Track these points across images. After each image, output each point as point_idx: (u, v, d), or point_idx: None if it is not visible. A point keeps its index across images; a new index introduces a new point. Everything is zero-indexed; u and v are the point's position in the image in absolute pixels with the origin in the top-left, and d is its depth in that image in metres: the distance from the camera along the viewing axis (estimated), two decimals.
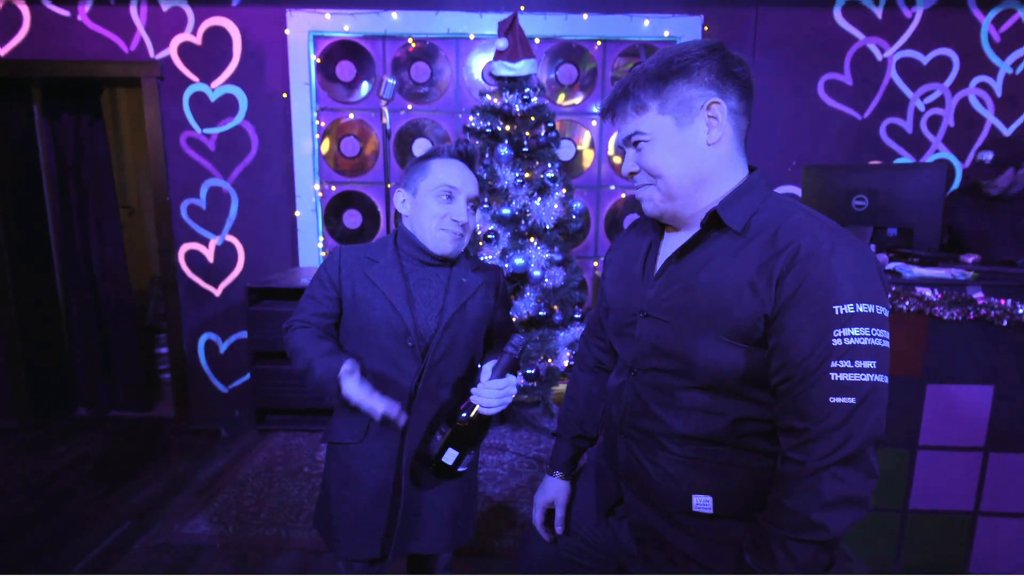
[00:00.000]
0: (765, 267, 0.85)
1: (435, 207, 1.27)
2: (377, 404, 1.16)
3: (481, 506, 2.43)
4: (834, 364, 0.79)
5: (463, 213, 1.28)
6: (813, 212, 0.90)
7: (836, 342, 0.79)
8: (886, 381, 0.81)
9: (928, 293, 1.84)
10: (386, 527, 1.31)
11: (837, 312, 0.79)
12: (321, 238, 3.41)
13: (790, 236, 0.85)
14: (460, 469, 1.24)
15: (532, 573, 1.28)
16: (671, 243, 1.02)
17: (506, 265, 2.89)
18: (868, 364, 0.79)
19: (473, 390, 1.20)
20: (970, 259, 2.07)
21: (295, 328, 1.31)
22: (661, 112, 0.92)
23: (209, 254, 3.39)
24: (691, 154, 0.92)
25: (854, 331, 0.79)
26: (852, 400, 0.79)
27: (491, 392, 1.18)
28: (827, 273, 0.80)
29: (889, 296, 1.82)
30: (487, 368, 1.22)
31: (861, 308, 0.79)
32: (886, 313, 0.82)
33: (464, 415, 1.21)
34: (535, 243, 2.94)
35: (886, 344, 0.81)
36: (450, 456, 1.21)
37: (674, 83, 0.91)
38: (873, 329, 0.79)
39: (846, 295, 0.79)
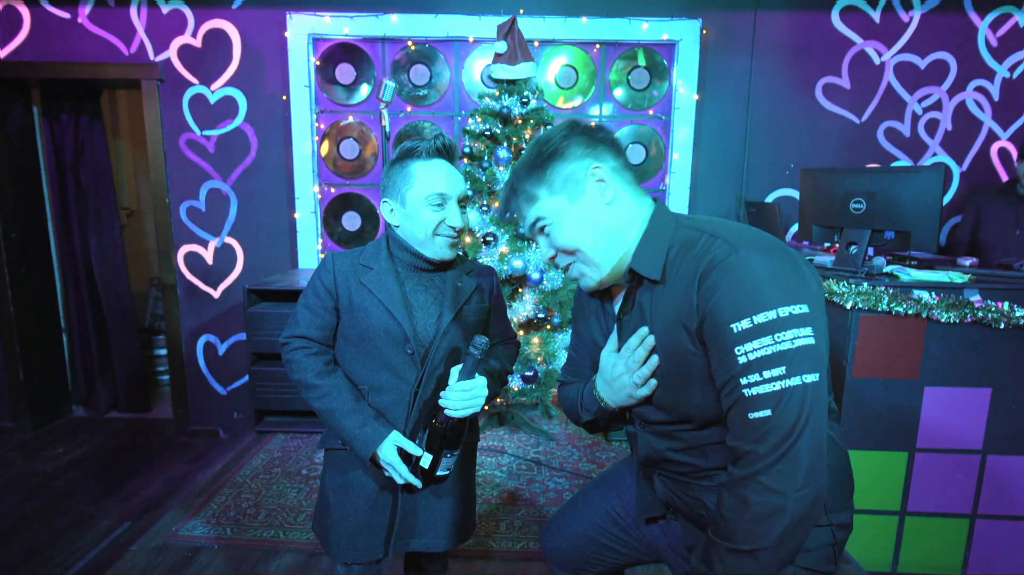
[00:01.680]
0: (684, 307, 0.87)
1: (429, 215, 1.24)
2: (407, 477, 1.23)
3: (479, 507, 2.43)
4: (744, 381, 0.80)
5: (457, 218, 1.26)
6: (717, 228, 0.90)
7: (741, 359, 0.80)
8: (803, 381, 0.79)
9: (925, 296, 1.85)
10: (387, 529, 1.31)
11: (736, 331, 0.81)
12: (320, 240, 3.41)
13: (694, 267, 0.87)
14: (440, 473, 1.24)
15: (561, 555, 1.29)
16: (617, 302, 1.06)
17: (504, 267, 2.90)
18: (777, 372, 0.79)
19: (441, 394, 1.21)
20: (967, 262, 2.08)
21: (296, 348, 1.29)
22: (551, 195, 0.97)
23: (208, 256, 3.39)
24: (595, 220, 0.96)
25: (753, 344, 0.79)
26: (767, 412, 0.79)
27: (457, 395, 1.19)
28: (723, 295, 0.82)
29: (882, 292, 1.83)
30: (454, 372, 1.22)
31: (759, 319, 0.79)
32: (796, 310, 0.80)
33: (436, 419, 1.22)
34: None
35: (799, 343, 0.79)
36: (425, 460, 1.22)
37: (552, 166, 0.97)
38: (777, 335, 0.79)
39: (741, 310, 0.80)
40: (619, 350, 1.02)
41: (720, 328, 0.82)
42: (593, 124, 1.00)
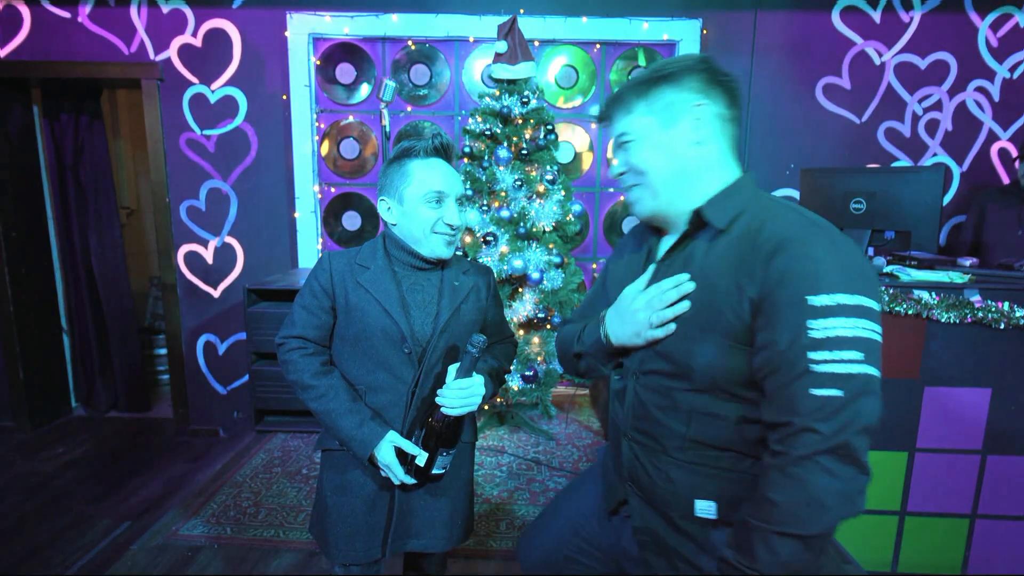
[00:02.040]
0: (747, 265, 0.86)
1: (426, 213, 1.25)
2: (403, 478, 1.23)
3: (479, 507, 2.43)
4: (812, 356, 0.78)
5: (455, 216, 1.26)
6: (801, 209, 0.91)
7: (814, 334, 0.78)
8: (877, 374, 0.79)
9: (926, 296, 1.85)
10: (384, 529, 1.31)
11: (813, 304, 0.79)
12: (320, 240, 3.41)
13: (771, 233, 0.86)
14: (435, 471, 1.24)
15: (532, 568, 1.28)
16: (665, 247, 1.04)
17: (504, 267, 2.89)
18: (853, 355, 0.77)
19: (438, 391, 1.21)
20: (967, 262, 2.07)
21: (292, 349, 1.28)
22: (646, 114, 0.97)
23: (208, 255, 3.39)
24: (675, 153, 0.96)
25: (832, 322, 0.78)
26: (837, 392, 0.77)
27: (454, 393, 1.19)
28: (804, 266, 0.81)
29: (882, 292, 1.83)
30: (451, 370, 1.23)
31: (842, 300, 0.78)
32: (874, 305, 0.81)
33: (432, 417, 1.22)
34: (534, 245, 2.94)
35: (875, 337, 0.80)
36: (421, 458, 1.21)
37: (661, 87, 0.96)
38: (856, 320, 0.78)
39: (824, 286, 0.79)
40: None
41: (794, 298, 0.80)
42: (723, 69, 0.98)
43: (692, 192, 0.96)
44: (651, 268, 1.03)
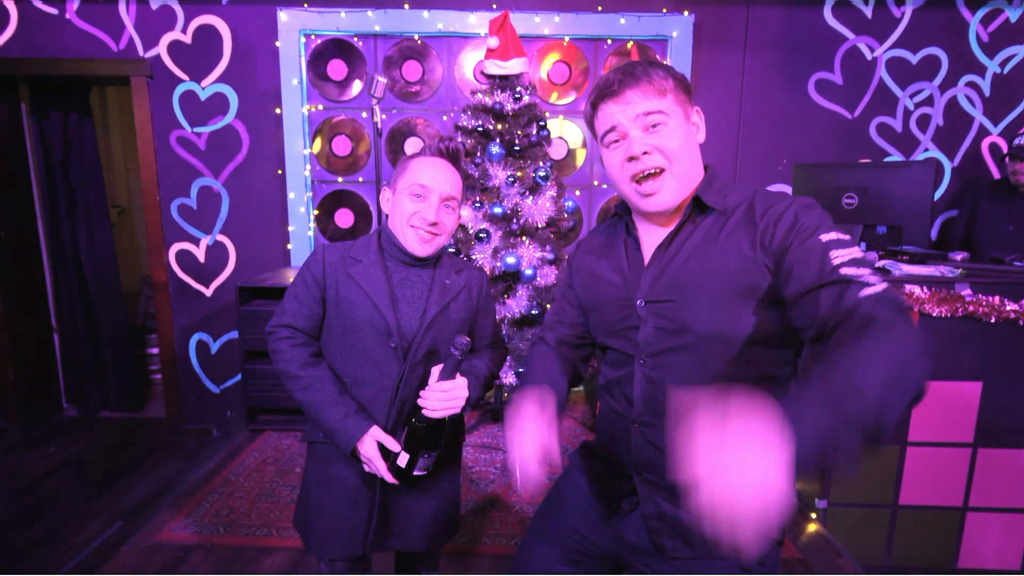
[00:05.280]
0: (755, 229, 0.96)
1: (407, 205, 1.27)
2: (384, 474, 1.22)
3: (473, 504, 2.43)
4: (844, 273, 0.88)
5: (432, 212, 1.26)
6: (764, 190, 1.04)
7: (835, 261, 0.89)
8: None
9: (917, 290, 1.85)
10: (366, 525, 1.31)
11: (824, 240, 0.91)
12: (312, 237, 3.39)
13: (764, 205, 0.98)
14: (417, 472, 1.23)
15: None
16: (650, 236, 1.09)
17: (498, 264, 2.89)
18: (867, 270, 0.88)
19: (421, 393, 1.21)
20: (959, 257, 2.08)
21: (282, 338, 1.29)
22: (675, 103, 1.01)
23: (200, 254, 3.37)
24: (693, 146, 1.04)
25: (841, 251, 0.90)
26: (881, 288, 0.85)
27: (436, 395, 1.19)
28: (806, 218, 0.93)
29: None
30: (435, 372, 1.22)
31: (833, 236, 0.91)
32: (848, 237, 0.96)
33: (415, 419, 1.21)
34: (527, 242, 2.94)
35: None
36: (402, 459, 1.20)
37: (679, 85, 1.03)
38: (851, 249, 0.90)
39: (823, 230, 0.92)
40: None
41: (813, 239, 0.91)
42: None
43: (694, 182, 1.04)
44: (650, 255, 1.07)
